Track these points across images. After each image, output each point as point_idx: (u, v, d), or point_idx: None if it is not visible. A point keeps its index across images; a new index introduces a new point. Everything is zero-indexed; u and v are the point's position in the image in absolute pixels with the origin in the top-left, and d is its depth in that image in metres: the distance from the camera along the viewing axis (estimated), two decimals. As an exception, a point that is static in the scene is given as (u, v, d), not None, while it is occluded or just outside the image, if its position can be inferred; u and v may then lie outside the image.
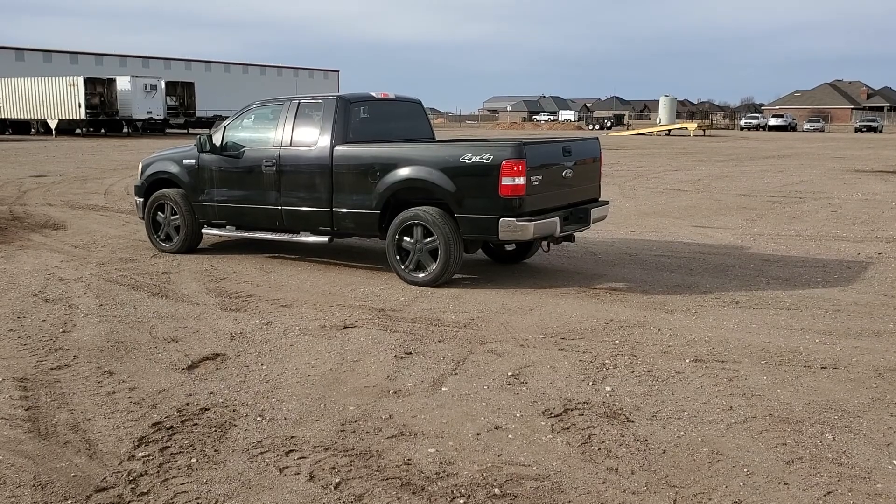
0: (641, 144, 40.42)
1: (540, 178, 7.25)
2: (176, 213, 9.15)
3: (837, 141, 43.49)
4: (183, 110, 49.45)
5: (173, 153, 9.48)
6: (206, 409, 4.52)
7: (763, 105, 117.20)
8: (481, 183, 7.15)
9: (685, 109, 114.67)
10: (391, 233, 7.65)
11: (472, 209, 7.22)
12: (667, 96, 69.54)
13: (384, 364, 5.32)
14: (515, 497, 3.50)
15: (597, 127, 78.94)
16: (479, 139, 8.58)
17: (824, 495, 3.51)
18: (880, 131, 66.23)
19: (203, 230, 9.16)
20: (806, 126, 72.38)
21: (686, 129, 57.39)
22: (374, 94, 8.74)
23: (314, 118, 8.24)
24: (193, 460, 3.87)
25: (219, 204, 8.83)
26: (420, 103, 9.54)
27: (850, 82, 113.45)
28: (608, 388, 4.85)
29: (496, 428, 4.26)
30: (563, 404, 4.59)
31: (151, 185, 9.44)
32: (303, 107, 8.37)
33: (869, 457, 3.89)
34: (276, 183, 8.33)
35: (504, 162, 7.00)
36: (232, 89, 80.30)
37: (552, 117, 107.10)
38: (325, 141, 8.03)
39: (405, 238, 7.59)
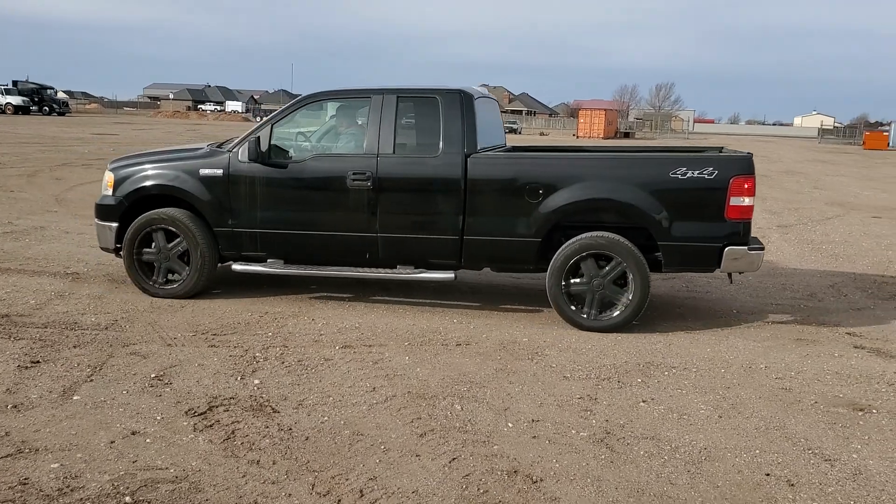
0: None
1: (753, 197, 6.22)
2: (181, 244, 6.65)
3: (485, 139, 47.87)
4: None
5: (175, 158, 6.82)
6: None
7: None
8: (700, 204, 6.06)
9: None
10: (559, 265, 6.17)
11: (683, 236, 6.07)
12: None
13: (3, 376, 4.73)
14: (149, 503, 3.32)
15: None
16: (688, 149, 7.42)
17: (450, 462, 3.82)
18: (519, 132, 74.19)
19: (234, 266, 6.73)
20: (458, 125, 78.45)
21: (352, 124, 59.31)
22: (476, 89, 6.94)
23: (428, 117, 6.48)
24: None
25: (263, 230, 6.58)
26: (497, 102, 7.90)
27: (495, 87, 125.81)
28: (256, 381, 4.81)
29: (133, 434, 4.01)
30: (209, 402, 4.47)
31: (134, 203, 6.79)
32: (404, 102, 6.50)
33: (490, 422, 4.33)
34: (370, 203, 6.36)
35: (733, 178, 5.96)
36: None
37: (219, 107, 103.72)
38: (452, 148, 6.29)
39: (579, 272, 6.17)
